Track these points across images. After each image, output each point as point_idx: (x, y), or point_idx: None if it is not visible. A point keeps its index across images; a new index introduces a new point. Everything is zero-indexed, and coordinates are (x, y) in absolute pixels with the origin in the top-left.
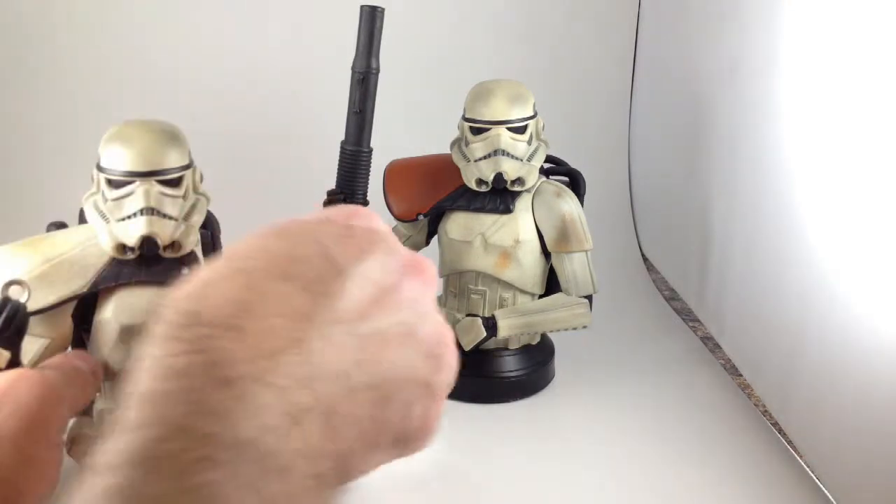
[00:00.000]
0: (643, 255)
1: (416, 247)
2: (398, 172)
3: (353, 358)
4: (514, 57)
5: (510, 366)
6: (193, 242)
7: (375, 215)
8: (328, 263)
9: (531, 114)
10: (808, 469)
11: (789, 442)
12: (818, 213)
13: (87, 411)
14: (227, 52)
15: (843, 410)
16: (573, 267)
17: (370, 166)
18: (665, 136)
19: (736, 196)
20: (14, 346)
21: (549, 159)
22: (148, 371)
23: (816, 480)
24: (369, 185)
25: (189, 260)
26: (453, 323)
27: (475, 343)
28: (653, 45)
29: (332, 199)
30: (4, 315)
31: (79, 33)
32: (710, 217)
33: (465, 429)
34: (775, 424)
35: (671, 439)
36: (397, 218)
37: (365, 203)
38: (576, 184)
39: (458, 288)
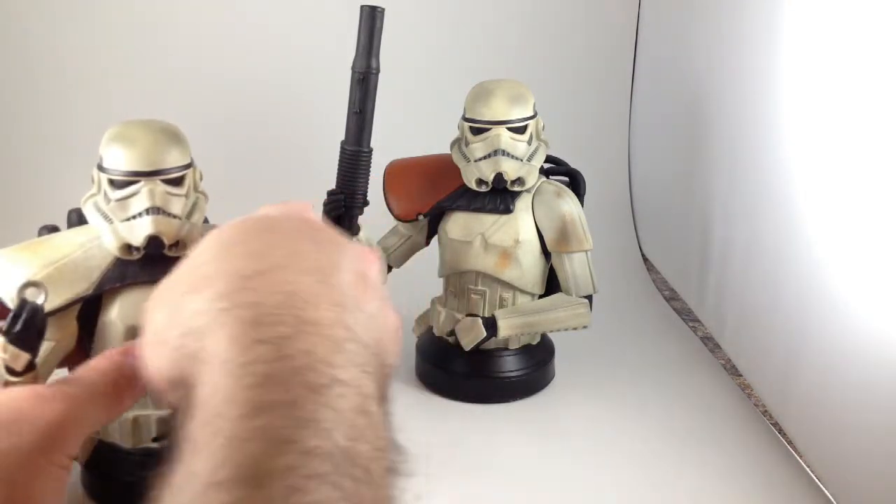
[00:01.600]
0: (643, 255)
1: (416, 247)
2: (398, 172)
3: (372, 341)
4: (514, 57)
5: (510, 366)
6: (196, 240)
7: (309, 205)
8: (324, 256)
9: (531, 114)
10: (808, 469)
11: (789, 442)
12: (818, 213)
13: None
14: (226, 51)
15: (842, 410)
16: (573, 267)
17: (370, 166)
18: (665, 136)
19: (736, 196)
20: (34, 348)
21: (549, 159)
22: (235, 378)
23: (816, 480)
24: (369, 185)
25: None
26: (453, 323)
27: (475, 343)
28: (653, 45)
29: (333, 198)
30: (24, 317)
31: (76, 34)
32: (711, 217)
33: (465, 428)
34: (775, 424)
35: (671, 439)
36: (397, 218)
37: (365, 203)
38: (576, 184)
39: (458, 288)
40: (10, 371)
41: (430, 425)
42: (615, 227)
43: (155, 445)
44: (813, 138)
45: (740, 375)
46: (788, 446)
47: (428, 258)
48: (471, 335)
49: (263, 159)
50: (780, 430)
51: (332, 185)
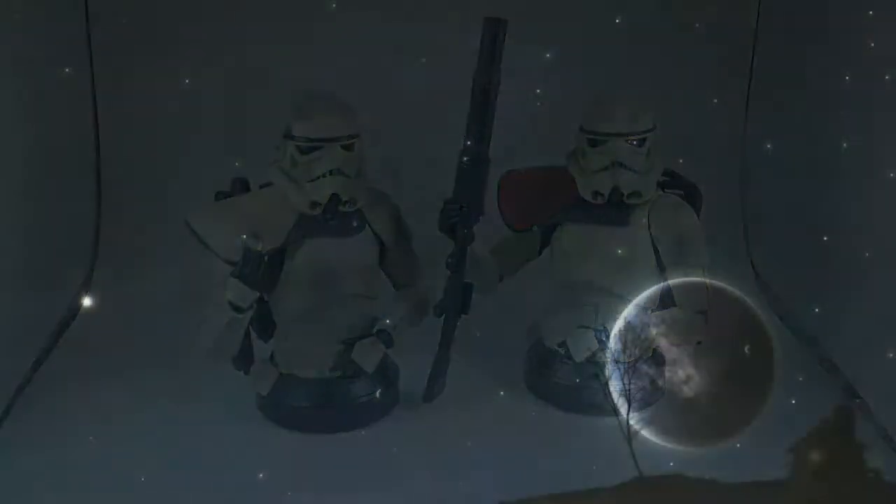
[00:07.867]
0: (755, 271)
1: (528, 257)
2: (513, 182)
3: None
4: (629, 68)
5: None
6: (364, 198)
7: None
8: None
9: (650, 126)
10: None
11: None
12: None
13: (272, 356)
14: (346, 60)
15: None
16: (689, 281)
17: (488, 177)
18: (784, 150)
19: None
20: (259, 287)
21: (665, 172)
22: None
23: None
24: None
25: (357, 215)
26: (565, 334)
27: (587, 354)
28: (775, 52)
29: (449, 208)
30: (251, 262)
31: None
32: (828, 233)
33: (573, 440)
34: None
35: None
36: (511, 228)
37: (481, 213)
38: (692, 197)
39: (570, 299)
40: (236, 308)
41: (532, 433)
42: (726, 241)
43: (329, 375)
44: None
45: (860, 398)
46: None
47: (538, 268)
48: (583, 346)
49: (378, 168)
50: None
51: (450, 195)
